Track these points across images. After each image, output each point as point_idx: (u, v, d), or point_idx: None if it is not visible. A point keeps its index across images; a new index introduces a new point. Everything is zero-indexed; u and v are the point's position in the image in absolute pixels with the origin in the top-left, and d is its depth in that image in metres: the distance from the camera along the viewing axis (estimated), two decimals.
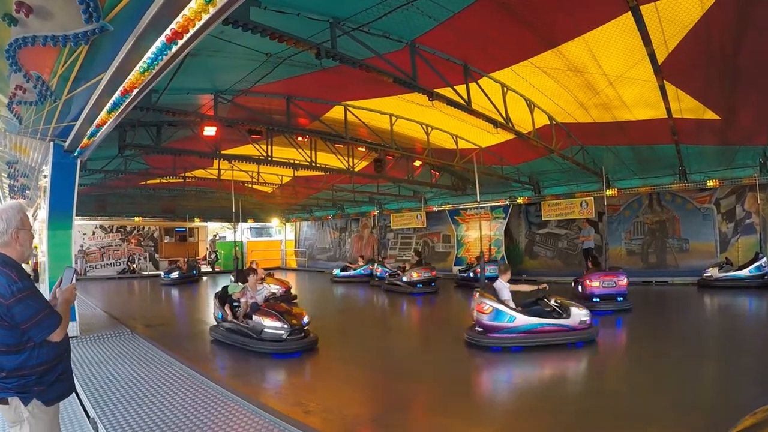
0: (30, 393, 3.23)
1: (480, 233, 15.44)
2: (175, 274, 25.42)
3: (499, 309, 9.39)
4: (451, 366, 8.69)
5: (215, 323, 11.12)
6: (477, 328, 9.65)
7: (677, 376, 7.42)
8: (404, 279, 19.44)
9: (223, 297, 11.01)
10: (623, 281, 13.38)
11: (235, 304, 10.55)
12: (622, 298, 13.21)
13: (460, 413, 6.07)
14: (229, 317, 10.30)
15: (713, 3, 7.75)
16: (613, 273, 13.79)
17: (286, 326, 9.40)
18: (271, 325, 9.43)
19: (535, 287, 10.46)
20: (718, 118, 12.91)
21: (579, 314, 9.50)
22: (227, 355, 9.61)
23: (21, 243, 3.32)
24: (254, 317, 9.65)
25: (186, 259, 28.86)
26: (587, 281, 13.51)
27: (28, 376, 3.20)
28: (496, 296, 9.77)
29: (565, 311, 9.57)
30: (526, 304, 9.85)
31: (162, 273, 26.68)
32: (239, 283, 11.52)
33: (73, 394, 6.07)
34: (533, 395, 6.99)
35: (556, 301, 9.84)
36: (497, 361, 8.91)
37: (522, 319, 9.34)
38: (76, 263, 26.99)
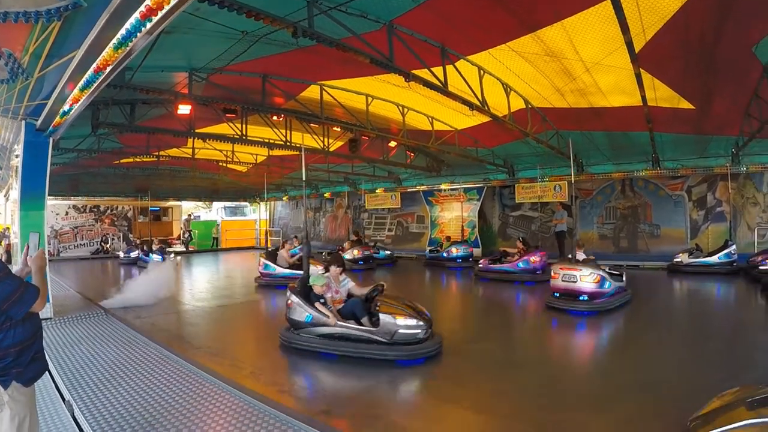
0: (8, 375, 3.23)
1: (460, 213, 15.46)
2: (156, 257, 22.90)
3: (605, 277, 10.83)
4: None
5: (288, 326, 8.46)
6: (581, 297, 10.83)
7: (646, 357, 7.56)
8: (346, 257, 20.16)
9: (307, 293, 8.32)
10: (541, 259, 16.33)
11: (321, 300, 8.21)
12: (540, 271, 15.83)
13: None
14: (332, 320, 7.81)
15: None
16: (543, 251, 17.02)
17: (422, 323, 7.55)
18: (405, 323, 7.45)
19: (585, 257, 11.93)
20: (693, 107, 13.09)
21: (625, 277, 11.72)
22: (321, 370, 7.43)
23: None
24: (382, 316, 7.52)
25: (139, 241, 28.02)
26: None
27: (4, 357, 3.20)
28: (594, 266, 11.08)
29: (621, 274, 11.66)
30: None
31: (139, 254, 24.22)
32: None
33: (48, 376, 6.06)
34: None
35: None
36: (620, 323, 10.29)
37: (613, 285, 10.94)
38: (49, 244, 26.64)
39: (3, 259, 3.47)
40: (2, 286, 3.14)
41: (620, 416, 5.23)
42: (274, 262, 16.42)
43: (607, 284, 10.74)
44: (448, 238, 22.57)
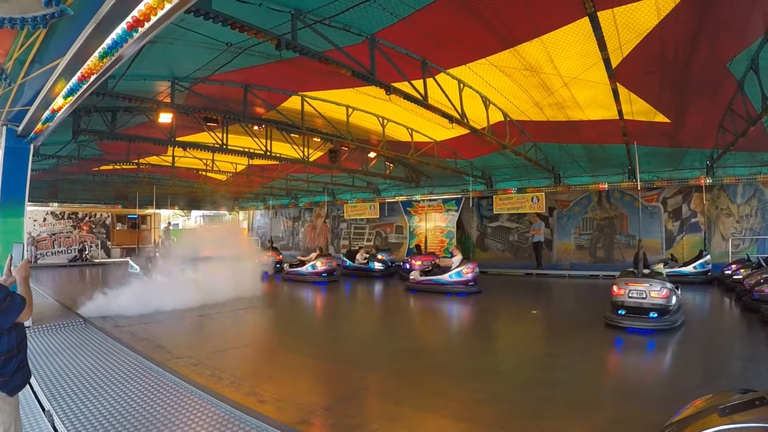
0: None
1: (434, 224, 15.72)
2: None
3: None
4: None
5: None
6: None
7: (623, 365, 7.68)
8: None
9: None
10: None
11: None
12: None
13: None
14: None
15: (669, 12, 8.02)
16: (429, 256, 20.44)
17: None
18: None
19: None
20: (668, 121, 13.38)
21: None
22: None
23: None
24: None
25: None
26: (412, 261, 20.02)
27: None
28: None
29: None
30: None
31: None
32: None
33: (28, 386, 6.01)
34: None
35: None
36: None
37: None
38: (27, 251, 26.22)
39: None
40: None
41: (596, 423, 5.32)
42: (352, 261, 21.75)
43: None
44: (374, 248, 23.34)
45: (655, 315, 9.53)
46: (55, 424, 5.17)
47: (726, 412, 3.18)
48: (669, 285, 9.69)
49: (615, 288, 10.13)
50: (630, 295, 9.84)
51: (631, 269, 11.27)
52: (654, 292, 9.62)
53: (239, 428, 4.97)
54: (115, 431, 4.92)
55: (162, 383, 6.48)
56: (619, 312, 9.91)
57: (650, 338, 9.16)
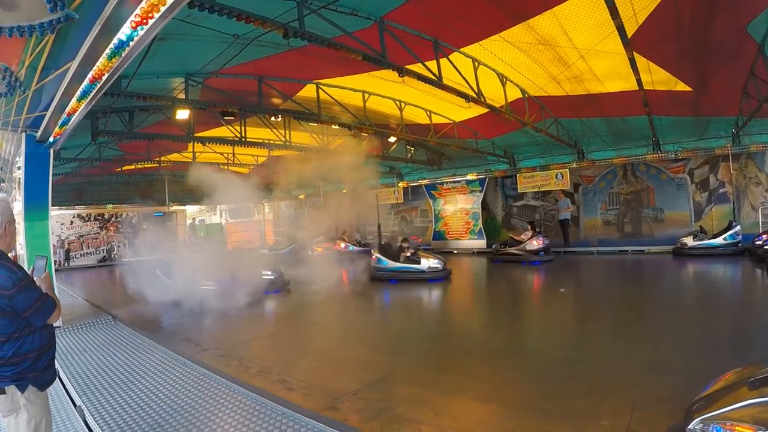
0: (25, 379, 3.35)
1: (459, 206, 15.60)
2: None
3: None
4: None
5: None
6: None
7: (653, 340, 7.59)
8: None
9: None
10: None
11: None
12: None
13: None
14: None
15: None
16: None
17: None
18: None
19: None
20: (690, 89, 13.06)
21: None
22: None
23: (10, 235, 3.45)
24: None
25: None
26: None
27: (22, 362, 3.32)
28: None
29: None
30: None
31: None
32: None
33: (59, 383, 6.15)
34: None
35: None
36: None
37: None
38: (56, 254, 26.65)
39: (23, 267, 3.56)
40: (27, 292, 3.26)
41: (625, 400, 5.25)
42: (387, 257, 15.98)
43: None
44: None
45: (542, 253, 18.04)
46: (86, 419, 5.27)
47: (756, 385, 3.12)
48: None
49: (534, 242, 18.09)
50: (544, 245, 18.11)
51: (530, 232, 18.73)
52: (546, 241, 18.49)
53: (266, 415, 5.04)
54: (144, 423, 5.01)
55: (189, 375, 6.58)
56: (540, 253, 17.96)
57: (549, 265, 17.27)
